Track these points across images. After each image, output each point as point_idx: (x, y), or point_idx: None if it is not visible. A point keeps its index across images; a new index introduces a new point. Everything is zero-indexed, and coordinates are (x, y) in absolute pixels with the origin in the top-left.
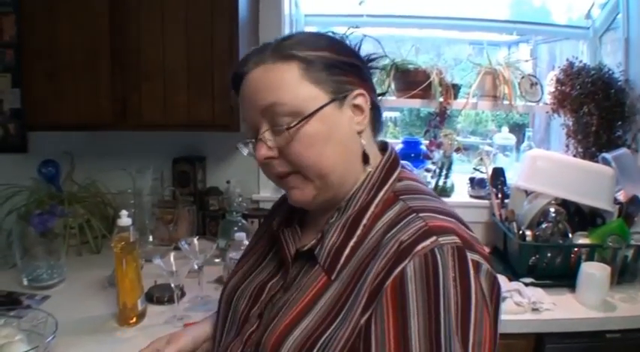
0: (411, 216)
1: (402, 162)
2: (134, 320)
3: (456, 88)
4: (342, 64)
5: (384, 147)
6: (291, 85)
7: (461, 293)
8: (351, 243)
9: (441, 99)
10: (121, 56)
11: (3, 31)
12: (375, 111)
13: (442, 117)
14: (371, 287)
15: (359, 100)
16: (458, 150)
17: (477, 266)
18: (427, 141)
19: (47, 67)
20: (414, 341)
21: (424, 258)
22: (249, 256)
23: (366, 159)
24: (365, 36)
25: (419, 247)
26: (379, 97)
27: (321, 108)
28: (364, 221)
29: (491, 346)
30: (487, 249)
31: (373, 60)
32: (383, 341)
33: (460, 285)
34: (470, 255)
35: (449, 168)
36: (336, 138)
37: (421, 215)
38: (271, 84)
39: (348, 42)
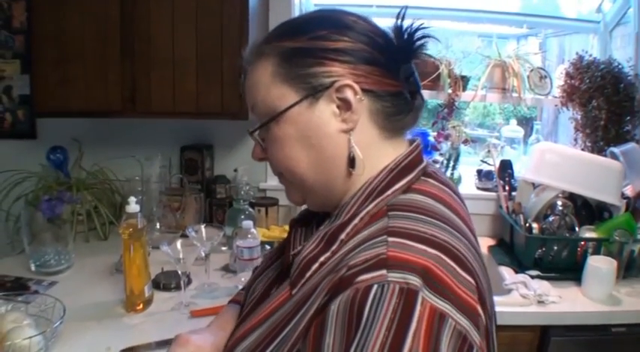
0: (380, 238)
1: (433, 169)
2: (141, 306)
3: (464, 80)
4: (320, 51)
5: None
6: (264, 85)
7: (389, 348)
8: (322, 258)
9: (450, 91)
10: (131, 43)
11: (13, 18)
12: (389, 100)
13: (450, 108)
14: (312, 314)
15: (344, 93)
16: (465, 141)
17: (440, 318)
18: (435, 133)
19: (57, 54)
20: None
21: (354, 294)
22: (275, 249)
23: (352, 162)
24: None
25: (360, 278)
26: (410, 80)
27: (289, 108)
28: (342, 235)
29: None
30: (476, 303)
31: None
32: None
33: (392, 337)
34: (431, 303)
35: (456, 160)
36: (309, 139)
37: (390, 239)
38: (251, 85)
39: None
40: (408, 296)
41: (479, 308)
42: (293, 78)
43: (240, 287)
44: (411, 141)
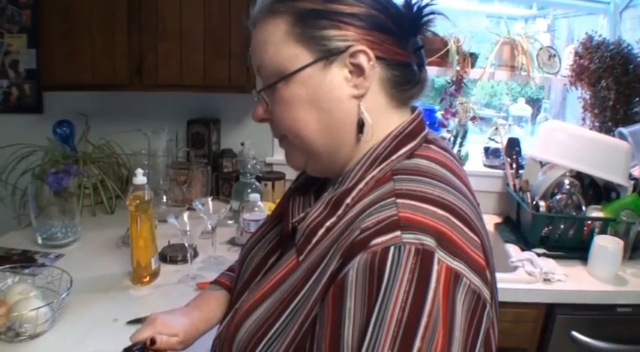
0: (388, 200)
1: (434, 136)
2: (147, 278)
3: (473, 57)
4: (336, 14)
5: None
6: (274, 45)
7: (410, 308)
8: (328, 223)
9: (458, 68)
10: (138, 16)
11: None
12: (400, 69)
13: (458, 85)
14: (327, 279)
15: (358, 59)
16: (473, 119)
17: (455, 277)
18: (442, 110)
19: (64, 27)
20: None
21: (372, 257)
22: (269, 220)
23: (360, 128)
24: None
25: (375, 241)
26: (417, 54)
27: (301, 69)
28: (347, 200)
29: None
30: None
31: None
32: (320, 348)
33: (412, 297)
34: (446, 263)
35: (464, 137)
36: (319, 102)
37: (399, 201)
38: (259, 44)
39: None
40: (425, 257)
41: (485, 264)
42: (307, 39)
43: None
44: (413, 110)
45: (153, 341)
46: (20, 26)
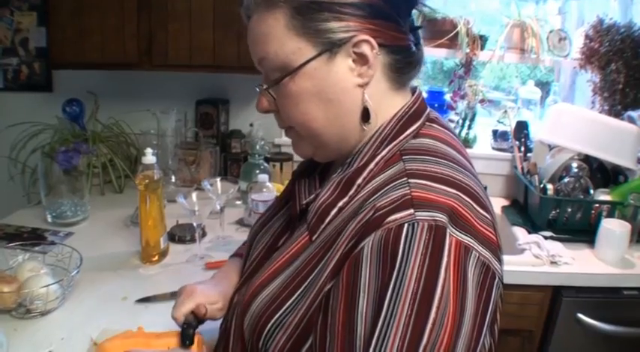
0: (400, 180)
1: (435, 115)
2: (156, 258)
3: (482, 40)
4: (336, 5)
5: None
6: (276, 38)
7: (425, 281)
8: (340, 203)
9: (468, 50)
10: None
11: None
12: (400, 53)
13: (468, 67)
14: (340, 255)
15: (361, 48)
16: (482, 101)
17: (465, 250)
18: (451, 92)
19: (74, 5)
20: (359, 329)
21: (387, 234)
22: (276, 203)
23: (365, 116)
24: None
25: (390, 219)
26: (413, 32)
27: (306, 63)
28: (359, 180)
29: (472, 346)
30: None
31: None
32: (333, 324)
33: (426, 271)
34: (456, 237)
35: (472, 119)
36: (326, 94)
37: (411, 181)
38: (259, 37)
39: None
40: (437, 233)
41: (497, 240)
42: (309, 32)
43: None
44: (413, 90)
45: (203, 311)
46: (30, 4)
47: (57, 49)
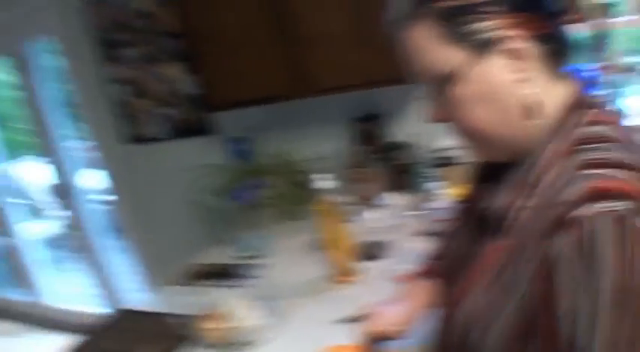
0: (579, 173)
1: (597, 99)
2: (348, 277)
3: (608, 7)
4: (478, 6)
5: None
6: (428, 49)
7: (627, 274)
8: (522, 203)
9: (597, 21)
10: (283, 27)
11: (166, 23)
12: (550, 41)
13: (601, 39)
14: (534, 257)
15: (512, 44)
16: (626, 71)
17: None
18: (591, 67)
19: (219, 50)
20: (564, 330)
21: (578, 231)
22: (460, 209)
23: (528, 112)
24: None
25: (577, 214)
26: (557, 17)
27: (462, 68)
28: (535, 177)
29: None
30: None
31: None
32: (537, 326)
33: (628, 264)
34: None
35: (618, 92)
36: (489, 96)
37: (591, 172)
38: (413, 51)
39: None
40: (629, 223)
41: None
42: (458, 37)
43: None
44: (567, 75)
45: (387, 334)
46: (168, 54)
47: (211, 93)
